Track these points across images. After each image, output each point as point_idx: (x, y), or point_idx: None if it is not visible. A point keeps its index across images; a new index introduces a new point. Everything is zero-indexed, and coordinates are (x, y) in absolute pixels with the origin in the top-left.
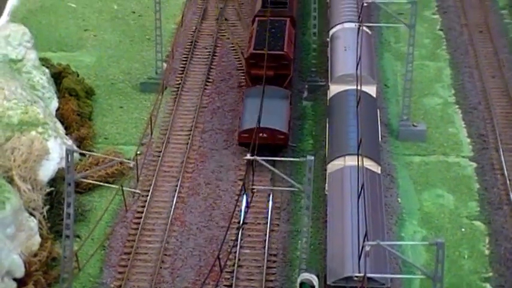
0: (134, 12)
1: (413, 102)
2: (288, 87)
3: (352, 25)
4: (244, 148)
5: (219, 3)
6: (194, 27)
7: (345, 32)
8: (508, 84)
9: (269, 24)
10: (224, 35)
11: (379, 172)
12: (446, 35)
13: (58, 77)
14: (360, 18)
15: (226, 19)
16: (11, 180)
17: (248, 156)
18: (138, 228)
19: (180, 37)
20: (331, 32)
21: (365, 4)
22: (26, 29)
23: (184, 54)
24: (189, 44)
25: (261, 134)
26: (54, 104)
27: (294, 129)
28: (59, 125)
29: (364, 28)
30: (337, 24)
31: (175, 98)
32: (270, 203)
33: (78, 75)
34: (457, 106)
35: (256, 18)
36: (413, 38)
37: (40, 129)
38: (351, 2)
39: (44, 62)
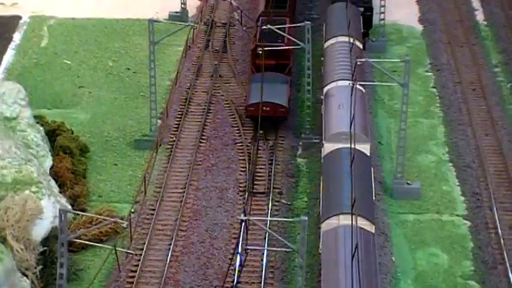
0: (129, 69)
1: (407, 159)
2: (287, 74)
3: (346, 83)
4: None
5: (213, 60)
6: (189, 84)
7: (338, 89)
8: (502, 142)
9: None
10: (219, 92)
11: (373, 231)
12: (439, 93)
13: (52, 134)
14: (354, 77)
15: (220, 76)
16: (3, 240)
17: (242, 217)
18: None
19: (175, 94)
20: (325, 90)
21: (358, 63)
22: (21, 87)
23: (179, 111)
24: (184, 100)
25: (264, 108)
26: (48, 162)
27: (288, 184)
28: (52, 183)
29: (358, 86)
30: (331, 82)
31: (170, 155)
32: (264, 261)
33: (72, 133)
34: (450, 164)
35: (260, 18)
36: (407, 96)
37: (34, 188)
38: (344, 60)
39: (39, 119)
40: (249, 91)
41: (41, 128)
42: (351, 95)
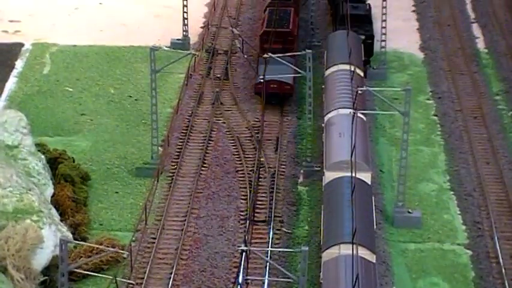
0: (131, 97)
1: (408, 188)
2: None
3: (347, 111)
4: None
5: (215, 88)
6: (190, 112)
7: (340, 118)
8: (503, 170)
9: (277, 11)
10: (220, 119)
11: (374, 261)
12: (440, 121)
13: (54, 162)
14: (355, 105)
15: (221, 103)
16: (4, 270)
17: (242, 247)
18: None
19: (176, 121)
20: (326, 118)
21: (359, 92)
22: (23, 115)
23: (180, 138)
24: (185, 128)
25: (272, 85)
26: (50, 190)
27: (289, 213)
28: (53, 211)
29: (359, 114)
30: (332, 110)
31: (171, 183)
32: None
33: (74, 161)
34: (452, 192)
35: (267, 8)
36: (408, 125)
37: (35, 217)
38: (345, 88)
39: (40, 147)
40: (257, 71)
41: (43, 156)
42: (352, 124)
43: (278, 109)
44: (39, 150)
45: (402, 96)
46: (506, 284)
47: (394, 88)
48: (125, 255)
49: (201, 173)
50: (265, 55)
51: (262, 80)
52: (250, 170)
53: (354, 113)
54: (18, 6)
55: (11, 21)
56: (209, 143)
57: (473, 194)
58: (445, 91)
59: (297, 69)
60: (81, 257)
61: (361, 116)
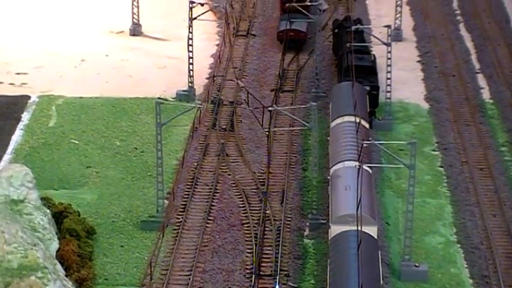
0: (136, 149)
1: (415, 241)
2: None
3: (353, 164)
4: None
5: (220, 140)
6: (196, 164)
7: (345, 170)
8: (510, 223)
9: None
10: (226, 172)
11: None
12: (446, 172)
13: (59, 216)
14: (360, 158)
15: (227, 155)
16: None
17: None
18: None
19: (182, 174)
20: (331, 170)
21: (365, 145)
22: (28, 169)
23: (186, 191)
24: (191, 180)
25: (290, 33)
26: (55, 245)
27: (295, 266)
28: (58, 266)
29: (365, 167)
30: (338, 163)
31: (176, 236)
32: None
33: (79, 215)
34: (458, 245)
35: None
36: (414, 178)
37: (39, 274)
38: (351, 140)
39: (46, 201)
40: (279, 24)
41: (48, 211)
42: (358, 177)
43: (284, 160)
44: (44, 204)
45: (408, 147)
46: None
47: (400, 141)
48: None
49: (206, 226)
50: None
51: (283, 29)
52: (256, 223)
53: (360, 166)
54: (25, 59)
55: (18, 73)
56: (214, 196)
57: (480, 247)
58: (450, 142)
59: (309, 18)
60: None
61: (367, 168)
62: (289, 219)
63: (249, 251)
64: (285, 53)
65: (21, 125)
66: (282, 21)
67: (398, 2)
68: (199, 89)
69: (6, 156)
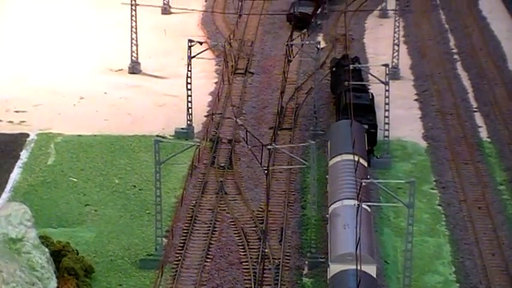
0: (135, 187)
1: (414, 280)
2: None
3: (352, 202)
4: None
5: (219, 177)
6: (194, 202)
7: (344, 209)
8: (508, 262)
9: None
10: (224, 210)
11: None
12: (445, 211)
13: (58, 255)
14: (359, 197)
15: (226, 193)
16: None
17: None
18: None
19: (180, 212)
20: (330, 209)
21: (363, 184)
22: (27, 208)
23: (184, 229)
24: (189, 218)
25: (298, 15)
26: (53, 284)
27: None
28: None
29: (364, 206)
30: (337, 201)
31: (175, 275)
32: None
33: (77, 253)
34: (457, 285)
35: None
36: (412, 217)
37: None
38: (349, 179)
39: (44, 239)
40: (289, 8)
41: (46, 250)
42: (357, 216)
43: (282, 198)
44: (42, 243)
45: (406, 185)
46: None
47: (398, 180)
48: None
49: (205, 265)
50: None
51: (292, 12)
52: (255, 262)
53: (359, 204)
54: (24, 97)
55: (17, 111)
56: (213, 234)
57: (479, 286)
58: (449, 180)
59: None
60: None
61: (366, 207)
62: (288, 257)
63: None
64: (293, 31)
65: (19, 163)
66: (293, 5)
67: (396, 41)
68: (197, 127)
69: (5, 195)
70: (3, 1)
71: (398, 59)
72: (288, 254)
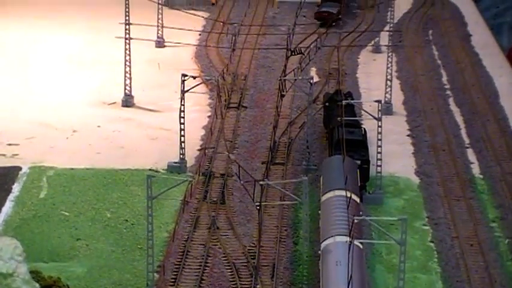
0: (127, 221)
1: None
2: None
3: (344, 239)
4: None
5: (211, 212)
6: (186, 237)
7: (336, 245)
8: None
9: None
10: (216, 245)
11: None
12: (437, 247)
13: None
14: (351, 233)
15: (218, 228)
16: None
17: None
18: None
19: (172, 247)
20: (322, 245)
21: (356, 221)
22: (18, 242)
23: (176, 264)
24: (181, 253)
25: (324, 13)
26: None
27: None
28: None
29: (356, 242)
30: (329, 237)
31: None
32: None
33: None
34: None
35: None
36: (405, 255)
37: None
38: (341, 215)
39: (35, 274)
40: (320, 7)
41: (37, 285)
42: (349, 252)
43: (275, 234)
44: (33, 278)
45: (398, 221)
46: None
47: (391, 218)
48: None
49: None
50: None
51: (320, 11)
52: None
53: (351, 241)
54: (17, 130)
55: (10, 144)
56: (205, 269)
57: None
58: (441, 217)
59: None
60: None
61: (358, 244)
62: None
63: None
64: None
65: (11, 197)
66: (320, 5)
67: (388, 76)
68: (190, 161)
69: None
70: None
71: (391, 94)
72: None
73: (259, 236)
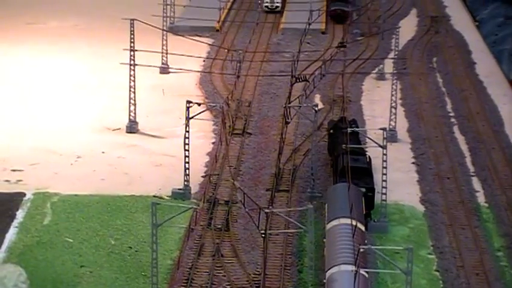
0: (131, 248)
1: None
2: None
3: (349, 268)
4: None
5: (215, 239)
6: (190, 264)
7: (341, 274)
8: None
9: None
10: (220, 272)
11: None
12: (442, 277)
13: None
14: (357, 262)
15: (222, 255)
16: None
17: None
18: None
19: (177, 274)
20: (327, 274)
21: (361, 249)
22: (22, 270)
23: None
24: (185, 281)
25: (338, 11)
26: None
27: None
28: None
29: (361, 271)
30: (334, 266)
31: None
32: None
33: None
34: None
35: None
36: (410, 285)
37: None
38: (347, 244)
39: None
40: (329, 5)
41: None
42: (354, 282)
43: (279, 261)
44: None
45: (404, 250)
46: None
47: (396, 247)
48: None
49: None
50: None
51: (333, 9)
52: None
53: (356, 270)
54: (21, 156)
55: (14, 170)
56: None
57: None
58: (446, 246)
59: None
60: None
61: (363, 272)
62: None
63: None
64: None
65: (15, 223)
66: (332, 3)
67: (393, 104)
68: (195, 188)
69: (0, 255)
70: (1, 60)
71: (395, 122)
72: None
73: (264, 264)
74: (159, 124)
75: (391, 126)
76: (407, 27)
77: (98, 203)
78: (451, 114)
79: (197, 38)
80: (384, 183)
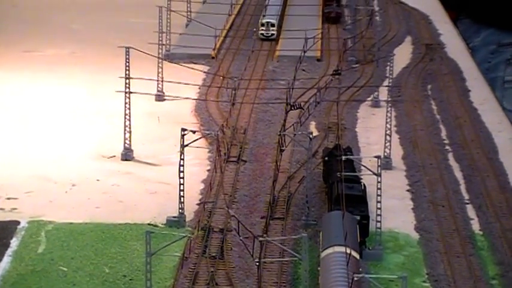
0: (125, 276)
1: None
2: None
3: None
4: None
5: (210, 268)
6: None
7: None
8: None
9: None
10: None
11: None
12: None
13: None
14: None
15: (217, 283)
16: None
17: None
18: None
19: None
20: None
21: (355, 278)
22: None
23: None
24: None
25: (331, 13)
26: None
27: None
28: None
29: None
30: None
31: None
32: None
33: None
34: None
35: None
36: None
37: None
38: (341, 272)
39: None
40: (323, 8)
41: None
42: None
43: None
44: None
45: (399, 278)
46: None
47: (390, 276)
48: None
49: None
50: None
51: (327, 11)
52: None
53: None
54: (16, 184)
55: (8, 198)
56: None
57: None
58: (441, 274)
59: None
60: None
61: None
62: None
63: None
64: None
65: (9, 251)
66: (326, 6)
67: (388, 131)
68: (189, 215)
69: None
70: None
71: (390, 149)
72: None
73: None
74: (154, 151)
75: (385, 154)
76: (402, 55)
77: (93, 231)
78: (446, 142)
79: (192, 65)
80: (378, 210)
